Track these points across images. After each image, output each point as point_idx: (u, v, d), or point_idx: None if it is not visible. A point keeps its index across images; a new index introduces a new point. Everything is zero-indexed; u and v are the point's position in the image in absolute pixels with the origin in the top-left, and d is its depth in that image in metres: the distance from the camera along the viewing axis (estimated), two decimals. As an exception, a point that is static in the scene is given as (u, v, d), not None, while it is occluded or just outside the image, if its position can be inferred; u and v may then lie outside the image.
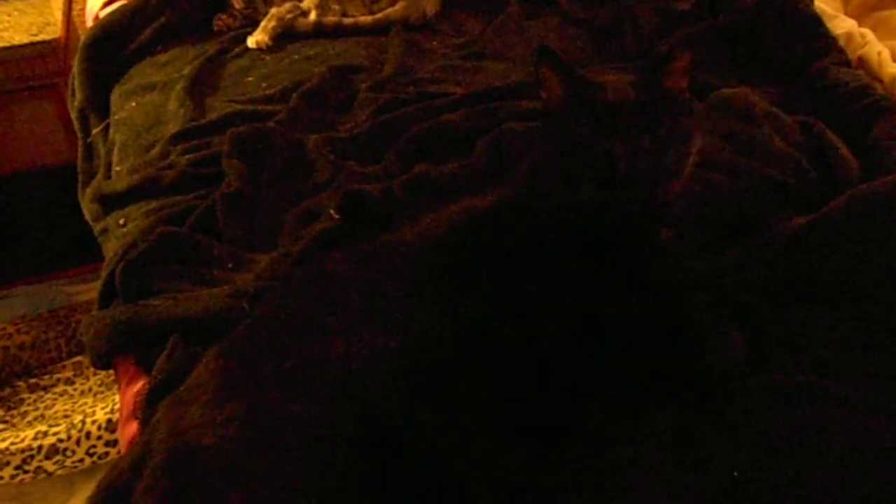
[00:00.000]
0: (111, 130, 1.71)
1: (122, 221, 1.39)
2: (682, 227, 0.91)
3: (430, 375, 0.79)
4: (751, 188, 1.08)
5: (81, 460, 2.02)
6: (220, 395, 0.80)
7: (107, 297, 1.22)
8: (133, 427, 0.98)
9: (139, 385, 1.07)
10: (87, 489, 1.21)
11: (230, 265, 1.20)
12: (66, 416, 2.16)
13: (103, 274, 1.24)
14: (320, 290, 0.91)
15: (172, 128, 1.59)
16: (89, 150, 1.75)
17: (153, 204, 1.39)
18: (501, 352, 0.82)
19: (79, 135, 1.79)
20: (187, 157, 1.45)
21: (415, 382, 0.78)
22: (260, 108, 1.62)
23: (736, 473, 0.77)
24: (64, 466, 2.05)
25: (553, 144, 0.92)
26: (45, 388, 2.37)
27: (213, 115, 1.61)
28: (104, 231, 1.45)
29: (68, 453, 2.05)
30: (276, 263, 1.14)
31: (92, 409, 2.12)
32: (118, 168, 1.56)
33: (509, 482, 0.76)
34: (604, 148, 0.84)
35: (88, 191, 1.55)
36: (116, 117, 1.72)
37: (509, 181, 1.03)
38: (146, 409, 0.96)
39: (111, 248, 1.35)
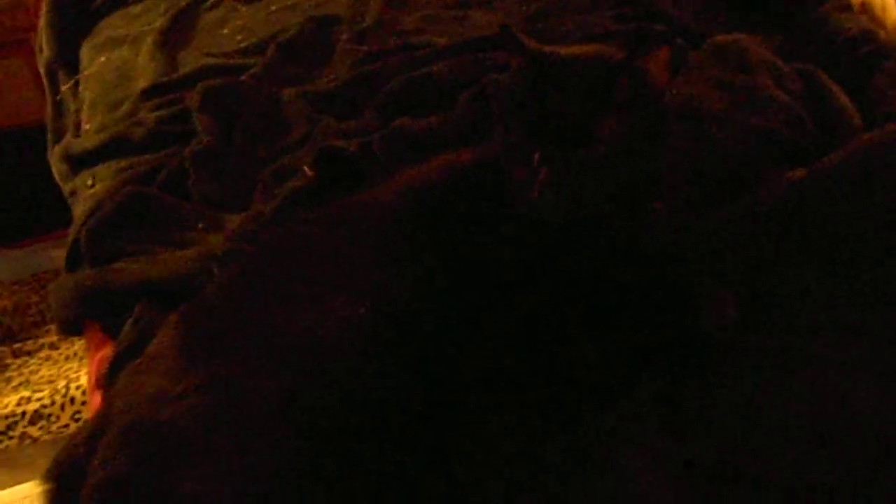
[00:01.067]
0: (80, 87, 1.64)
1: (90, 182, 1.34)
2: (675, 198, 0.86)
3: (401, 344, 0.74)
4: (746, 141, 1.03)
5: (67, 426, 2.00)
6: (179, 364, 0.76)
7: (74, 261, 1.16)
8: (98, 397, 0.94)
9: (106, 352, 1.02)
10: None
11: (201, 225, 1.15)
12: (50, 382, 2.13)
13: (70, 237, 1.19)
14: (289, 254, 0.86)
15: (142, 83, 1.51)
16: (59, 108, 1.68)
17: (122, 163, 1.33)
18: (475, 318, 0.78)
19: (47, 92, 1.72)
20: (157, 113, 1.39)
21: (385, 352, 0.74)
22: (234, 61, 1.55)
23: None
24: (49, 432, 2.03)
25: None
26: (29, 353, 2.33)
27: (184, 70, 1.53)
28: (73, 192, 1.39)
29: (52, 419, 2.02)
30: (248, 224, 1.09)
31: (76, 374, 2.09)
32: (87, 126, 1.49)
33: (486, 454, 0.73)
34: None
35: (57, 150, 1.49)
36: (86, 73, 1.64)
37: (492, 137, 0.97)
38: (109, 378, 0.91)
39: (79, 209, 1.30)
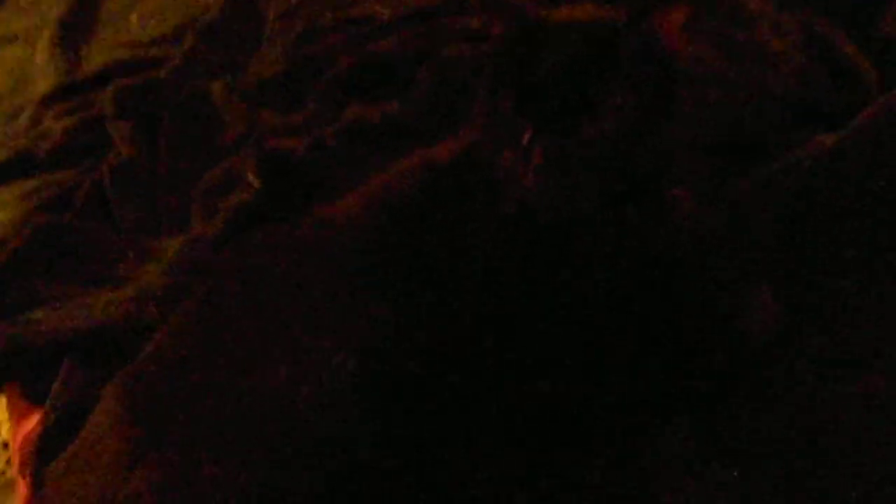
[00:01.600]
0: (-30, 95, 1.41)
1: (-9, 209, 1.13)
2: (695, 180, 0.73)
3: (405, 398, 0.60)
4: (755, 102, 0.90)
5: (3, 472, 1.81)
6: (124, 456, 0.61)
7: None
8: (24, 489, 0.76)
9: (31, 424, 0.84)
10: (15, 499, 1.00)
11: (131, 255, 0.97)
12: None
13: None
14: (246, 290, 0.70)
15: (43, 87, 1.31)
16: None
17: (28, 185, 1.13)
18: (478, 350, 0.64)
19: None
20: (63, 122, 1.19)
21: (389, 414, 0.59)
22: (149, 52, 1.35)
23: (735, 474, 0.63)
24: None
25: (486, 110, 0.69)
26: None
27: (91, 67, 1.33)
28: (-26, 221, 1.18)
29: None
30: (189, 250, 0.92)
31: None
32: (-19, 142, 1.28)
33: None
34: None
35: (-51, 171, 1.27)
36: (-26, 79, 1.41)
37: (466, 124, 0.81)
38: (37, 466, 0.74)
39: (-18, 244, 1.10)
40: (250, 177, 0.97)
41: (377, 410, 0.59)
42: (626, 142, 0.63)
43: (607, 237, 0.68)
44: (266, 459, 0.58)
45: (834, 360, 0.70)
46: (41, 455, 0.75)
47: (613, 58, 0.63)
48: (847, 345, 0.70)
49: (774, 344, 0.72)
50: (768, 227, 0.79)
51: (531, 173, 0.62)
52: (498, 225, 0.68)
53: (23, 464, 0.77)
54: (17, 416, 0.89)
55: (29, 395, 0.88)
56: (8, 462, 1.74)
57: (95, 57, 1.37)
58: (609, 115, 0.62)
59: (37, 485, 0.72)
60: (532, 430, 0.65)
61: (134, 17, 1.47)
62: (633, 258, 0.69)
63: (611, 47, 0.63)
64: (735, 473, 0.66)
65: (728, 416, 0.68)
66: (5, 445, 1.81)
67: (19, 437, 0.85)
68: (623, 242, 0.69)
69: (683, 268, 0.73)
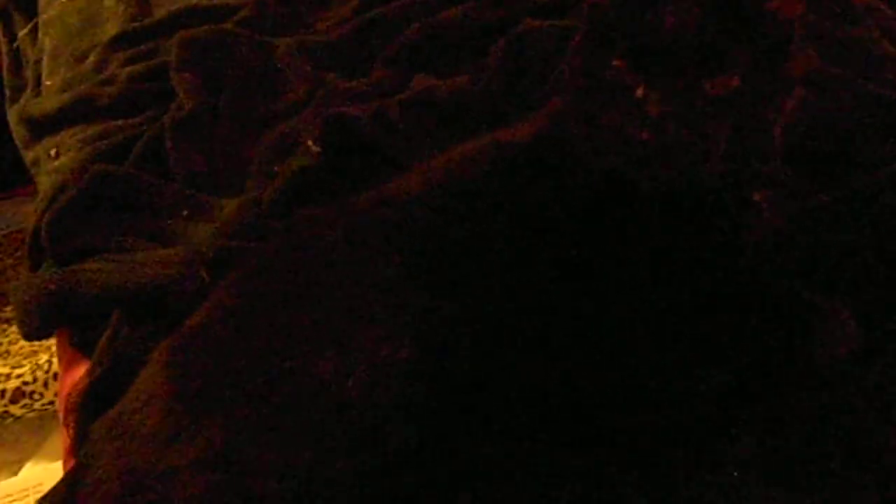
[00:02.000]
0: (40, 33, 1.41)
1: (53, 152, 1.14)
2: (778, 186, 0.68)
3: (457, 396, 0.58)
4: (851, 108, 0.84)
5: (52, 402, 1.86)
6: (165, 428, 0.60)
7: (36, 257, 0.98)
8: (67, 437, 0.77)
9: (78, 373, 0.85)
10: (60, 431, 1.03)
11: (185, 212, 0.96)
12: (33, 354, 1.98)
13: (30, 226, 1.00)
14: (300, 266, 0.68)
15: (111, 29, 1.29)
16: (16, 58, 1.45)
17: (90, 130, 1.12)
18: (554, 354, 0.61)
19: (1, 40, 1.49)
20: (129, 68, 1.18)
21: (442, 411, 0.57)
22: (219, 1, 1.32)
23: None
24: (33, 410, 1.90)
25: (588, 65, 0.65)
26: (7, 321, 2.17)
27: (161, 13, 1.31)
28: (36, 161, 1.19)
29: (35, 396, 1.89)
30: (243, 213, 0.90)
31: (59, 346, 1.94)
32: (48, 82, 1.28)
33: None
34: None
35: (14, 110, 1.28)
36: (45, 16, 1.41)
37: (543, 106, 0.77)
38: (82, 419, 0.74)
39: (42, 185, 1.11)
40: (310, 143, 0.94)
41: (425, 406, 0.57)
42: (749, 106, 0.60)
43: (703, 223, 0.64)
44: (308, 446, 0.56)
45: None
46: (85, 409, 0.75)
47: (730, 21, 0.59)
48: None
49: (849, 368, 0.68)
50: (856, 245, 0.73)
51: (646, 128, 0.58)
52: (583, 205, 0.65)
53: (67, 414, 0.78)
54: (65, 364, 0.90)
55: (78, 344, 0.89)
56: (56, 395, 1.80)
57: (166, 2, 1.35)
58: (737, 72, 0.58)
59: (79, 439, 0.73)
60: (587, 441, 0.62)
61: (209, -38, 1.45)
62: (721, 252, 0.66)
63: (728, 11, 0.59)
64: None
65: (792, 441, 0.65)
66: (55, 377, 1.87)
67: (67, 385, 0.86)
68: (714, 233, 0.65)
69: (765, 278, 0.69)
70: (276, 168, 0.97)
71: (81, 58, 1.27)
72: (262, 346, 0.61)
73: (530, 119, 0.77)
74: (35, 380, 1.84)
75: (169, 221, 0.95)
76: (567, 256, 0.64)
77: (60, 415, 0.84)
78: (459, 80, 1.00)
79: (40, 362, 1.87)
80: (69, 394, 0.81)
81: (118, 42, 1.24)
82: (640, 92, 0.60)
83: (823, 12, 0.91)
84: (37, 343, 2.02)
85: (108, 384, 0.77)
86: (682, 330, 0.64)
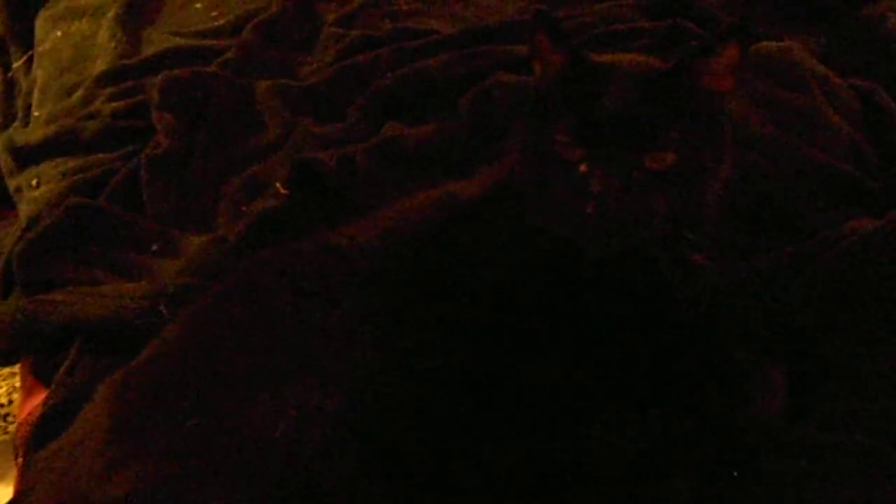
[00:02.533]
0: (34, 64, 1.46)
1: (34, 182, 1.17)
2: (717, 246, 0.71)
3: (382, 452, 0.60)
4: (797, 174, 0.87)
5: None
6: (103, 460, 0.62)
7: (7, 284, 1.00)
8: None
9: (37, 402, 0.87)
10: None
11: (155, 247, 0.99)
12: (11, 375, 1.98)
13: (3, 255, 1.02)
14: (249, 310, 0.70)
15: (101, 65, 1.33)
16: (11, 88, 1.49)
17: (71, 163, 1.16)
18: (480, 411, 0.63)
19: (-4, 68, 1.53)
20: (113, 104, 1.21)
21: (361, 462, 0.59)
22: (206, 42, 1.37)
23: None
24: (7, 432, 1.89)
25: (533, 139, 0.70)
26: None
27: (148, 51, 1.35)
28: (18, 190, 1.22)
29: (10, 419, 1.88)
30: (208, 251, 0.93)
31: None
32: (37, 113, 1.31)
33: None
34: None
35: (3, 138, 1.31)
36: (40, 49, 1.46)
37: (499, 159, 0.81)
38: (32, 447, 0.76)
39: (23, 213, 1.13)
40: (278, 185, 0.98)
41: (348, 458, 0.59)
42: (685, 179, 0.65)
43: (641, 283, 0.67)
44: (236, 488, 0.58)
45: (838, 454, 0.67)
46: (35, 439, 0.77)
47: (666, 99, 0.65)
48: (855, 442, 0.67)
49: (777, 428, 0.70)
50: (790, 309, 0.75)
51: (590, 203, 0.63)
52: (526, 266, 0.68)
53: (18, 445, 0.79)
54: (25, 392, 0.92)
55: (38, 373, 0.91)
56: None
57: (154, 41, 1.39)
58: (671, 147, 0.64)
59: (26, 469, 0.74)
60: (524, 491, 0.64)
61: (199, 6, 1.50)
62: (659, 310, 0.69)
63: (663, 90, 0.65)
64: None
65: (723, 496, 0.66)
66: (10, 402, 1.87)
67: (23, 414, 0.88)
68: (652, 291, 0.68)
69: (701, 339, 0.71)
70: (244, 208, 1.00)
71: (70, 91, 1.30)
72: (201, 385, 0.64)
73: (485, 173, 0.80)
74: (11, 402, 1.85)
75: (138, 256, 0.98)
76: (508, 318, 0.67)
77: (15, 442, 0.86)
78: (427, 128, 1.04)
79: (16, 385, 1.87)
80: (22, 424, 0.83)
81: (105, 78, 1.28)
82: (583, 168, 0.64)
83: (773, 79, 0.95)
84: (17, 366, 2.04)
85: (59, 415, 0.79)
86: (618, 388, 0.67)
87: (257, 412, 0.60)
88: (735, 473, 0.67)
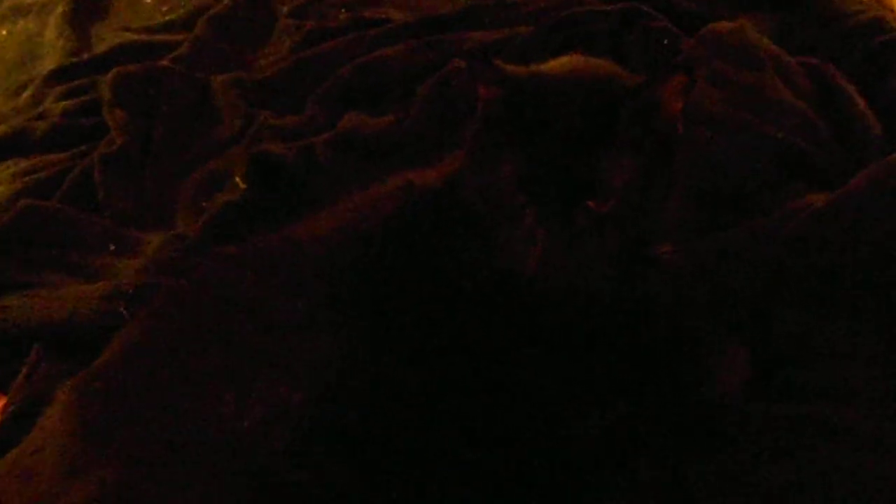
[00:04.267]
0: (-21, 65, 1.41)
1: (-15, 185, 1.13)
2: (682, 231, 0.71)
3: (348, 443, 0.59)
4: (751, 150, 0.88)
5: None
6: (65, 467, 0.60)
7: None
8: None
9: (-5, 410, 0.85)
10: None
11: (112, 247, 0.96)
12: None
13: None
14: (205, 309, 0.69)
15: (49, 64, 1.30)
16: (-44, 89, 1.45)
17: (23, 164, 1.13)
18: (440, 397, 0.62)
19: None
20: (64, 103, 1.18)
21: (328, 454, 0.58)
22: (158, 38, 1.34)
23: None
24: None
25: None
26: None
27: (99, 48, 1.32)
28: (-31, 194, 1.18)
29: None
30: (167, 250, 0.91)
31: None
32: (-16, 114, 1.28)
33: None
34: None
35: (-49, 143, 1.27)
36: (-16, 49, 1.42)
37: (457, 147, 0.80)
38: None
39: (-26, 219, 1.10)
40: (237, 179, 0.96)
41: (313, 453, 0.58)
42: (629, 219, 0.61)
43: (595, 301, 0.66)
44: (201, 488, 0.57)
45: (800, 427, 0.68)
46: (-2, 445, 0.75)
47: (611, 125, 0.60)
48: (816, 414, 0.68)
49: (740, 404, 0.71)
50: (749, 286, 0.77)
51: (534, 259, 0.60)
52: (477, 268, 0.67)
53: (-24, 454, 0.77)
54: (-18, 400, 0.89)
55: (-4, 379, 0.88)
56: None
57: (105, 37, 1.37)
58: (613, 192, 0.60)
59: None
60: (494, 475, 0.64)
61: (148, 0, 1.47)
62: (614, 308, 0.68)
63: (609, 113, 0.61)
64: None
65: (688, 475, 0.67)
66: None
67: (-19, 423, 0.85)
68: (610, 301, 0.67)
69: (664, 320, 0.72)
70: (203, 203, 0.98)
71: (18, 91, 1.27)
72: (163, 386, 0.62)
73: (444, 161, 0.80)
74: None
75: (95, 256, 0.96)
76: (468, 307, 0.66)
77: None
78: (386, 118, 1.03)
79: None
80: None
81: (55, 76, 1.25)
82: (529, 220, 0.61)
83: (727, 59, 0.96)
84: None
85: (19, 422, 0.77)
86: (579, 373, 0.66)
87: (223, 410, 0.59)
88: (699, 451, 0.67)
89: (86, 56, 1.29)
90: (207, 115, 1.13)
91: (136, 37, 1.34)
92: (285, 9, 1.39)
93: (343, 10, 1.38)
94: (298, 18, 1.35)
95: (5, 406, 0.81)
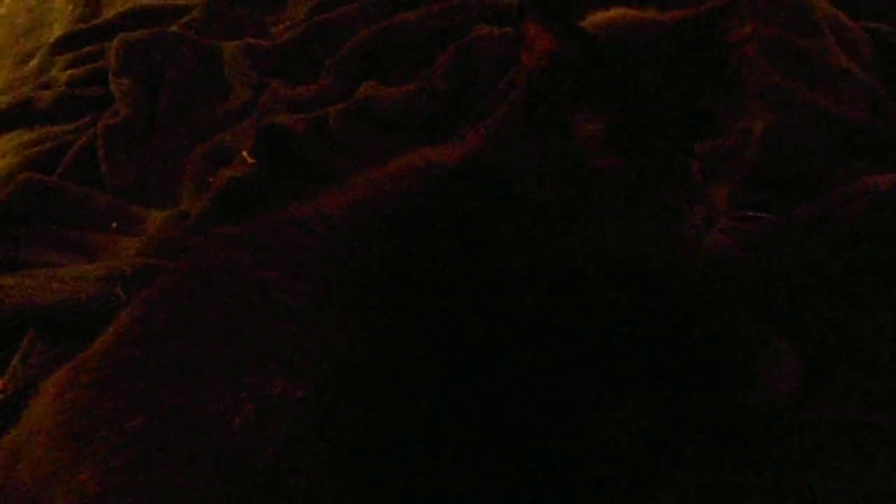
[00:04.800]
0: (-11, 31, 1.37)
1: (-9, 157, 1.09)
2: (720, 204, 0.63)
3: (349, 447, 0.54)
4: (808, 127, 0.79)
5: None
6: (48, 463, 0.56)
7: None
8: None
9: (-10, 395, 0.81)
10: None
11: (114, 225, 0.92)
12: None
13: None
14: (202, 296, 0.63)
15: (58, 30, 1.25)
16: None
17: (27, 136, 1.08)
18: (459, 401, 0.56)
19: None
20: (70, 72, 1.13)
21: (327, 459, 0.53)
22: (170, 2, 1.28)
23: None
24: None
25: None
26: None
27: (109, 14, 1.26)
28: (-24, 165, 1.14)
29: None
30: (168, 229, 0.86)
31: None
32: (-8, 83, 1.23)
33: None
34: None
35: (-43, 112, 1.23)
36: (-6, 15, 1.37)
37: (480, 125, 0.73)
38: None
39: (-22, 191, 1.06)
40: (245, 153, 0.90)
41: (315, 453, 0.53)
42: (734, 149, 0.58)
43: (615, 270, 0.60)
44: (188, 490, 0.52)
45: (857, 435, 0.60)
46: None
47: (695, 66, 0.56)
48: (873, 424, 0.61)
49: (791, 409, 0.64)
50: (802, 278, 0.69)
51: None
52: (505, 242, 0.61)
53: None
54: (-21, 383, 0.85)
55: (-7, 362, 0.85)
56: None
57: (117, 3, 1.31)
58: (734, 129, 0.57)
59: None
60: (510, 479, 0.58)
61: (163, -37, 1.40)
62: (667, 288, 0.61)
63: (687, 54, 0.56)
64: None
65: (733, 486, 0.60)
66: None
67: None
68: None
69: (706, 310, 0.64)
70: (209, 178, 0.93)
71: (26, 58, 1.22)
72: (151, 380, 0.57)
73: (465, 138, 0.73)
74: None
75: (96, 234, 0.91)
76: (487, 298, 0.60)
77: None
78: (404, 88, 0.96)
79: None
80: (-24, 417, 0.77)
81: (62, 44, 1.20)
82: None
83: (779, 22, 0.87)
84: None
85: (13, 407, 0.73)
86: (613, 373, 0.60)
87: (212, 407, 0.54)
88: (741, 463, 0.60)
89: (94, 22, 1.23)
90: (216, 85, 1.07)
91: (147, 1, 1.28)
92: (302, -28, 1.31)
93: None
94: (316, -19, 1.27)
95: (1, 390, 0.77)
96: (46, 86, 1.12)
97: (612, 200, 0.56)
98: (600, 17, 0.63)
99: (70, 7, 1.28)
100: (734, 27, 0.58)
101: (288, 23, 1.21)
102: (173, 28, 1.14)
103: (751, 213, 0.67)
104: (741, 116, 0.58)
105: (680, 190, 0.55)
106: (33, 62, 1.19)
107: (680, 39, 0.57)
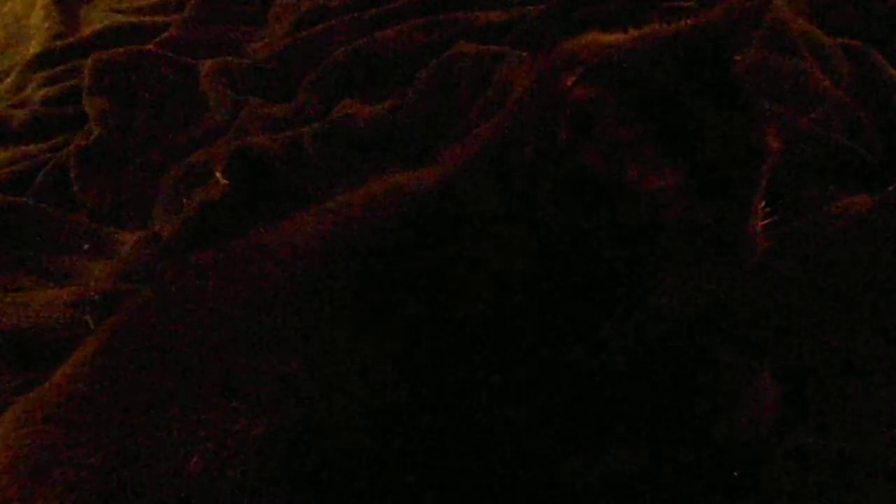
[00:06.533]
0: (-34, 48, 1.36)
1: (-37, 177, 1.08)
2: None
3: (314, 486, 0.52)
4: (785, 147, 0.78)
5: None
6: (12, 489, 0.54)
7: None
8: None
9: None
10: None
11: (86, 247, 0.90)
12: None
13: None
14: (166, 326, 0.61)
15: (35, 48, 1.24)
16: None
17: (1, 156, 1.07)
18: (429, 439, 0.55)
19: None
20: (44, 90, 1.12)
21: (292, 497, 0.51)
22: (148, 19, 1.27)
23: None
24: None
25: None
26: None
27: (86, 31, 1.25)
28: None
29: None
30: (140, 252, 0.85)
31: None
32: (-34, 101, 1.22)
33: None
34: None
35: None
36: (-29, 32, 1.35)
37: (458, 147, 0.71)
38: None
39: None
40: (218, 174, 0.89)
41: (276, 494, 0.51)
42: None
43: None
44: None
45: (841, 467, 0.59)
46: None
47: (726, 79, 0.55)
48: (859, 455, 0.60)
49: (769, 440, 0.62)
50: (779, 302, 0.68)
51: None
52: (478, 277, 0.59)
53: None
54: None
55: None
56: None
57: (93, 19, 1.29)
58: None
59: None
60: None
61: (141, -21, 1.40)
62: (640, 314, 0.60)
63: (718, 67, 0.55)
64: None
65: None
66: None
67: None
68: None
69: (679, 341, 0.63)
70: (183, 200, 0.91)
71: (2, 77, 1.21)
72: (108, 417, 0.55)
73: (441, 160, 0.72)
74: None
75: (68, 257, 0.89)
76: (455, 333, 0.58)
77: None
78: (381, 106, 0.95)
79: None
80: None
81: (38, 61, 1.19)
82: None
83: (757, 44, 0.86)
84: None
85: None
86: (587, 409, 0.58)
87: (169, 445, 0.52)
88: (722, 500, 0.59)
89: (71, 40, 1.22)
90: (193, 104, 1.06)
91: (125, 19, 1.27)
92: (282, -12, 1.30)
93: (343, -11, 1.30)
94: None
95: (-40, 423, 0.75)
96: (21, 104, 1.10)
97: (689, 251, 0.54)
98: (575, 44, 0.59)
99: (47, 24, 1.26)
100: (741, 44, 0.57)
101: (266, 40, 1.20)
102: (150, 46, 1.13)
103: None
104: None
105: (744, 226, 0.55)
106: (8, 80, 1.18)
107: (689, 59, 0.54)
